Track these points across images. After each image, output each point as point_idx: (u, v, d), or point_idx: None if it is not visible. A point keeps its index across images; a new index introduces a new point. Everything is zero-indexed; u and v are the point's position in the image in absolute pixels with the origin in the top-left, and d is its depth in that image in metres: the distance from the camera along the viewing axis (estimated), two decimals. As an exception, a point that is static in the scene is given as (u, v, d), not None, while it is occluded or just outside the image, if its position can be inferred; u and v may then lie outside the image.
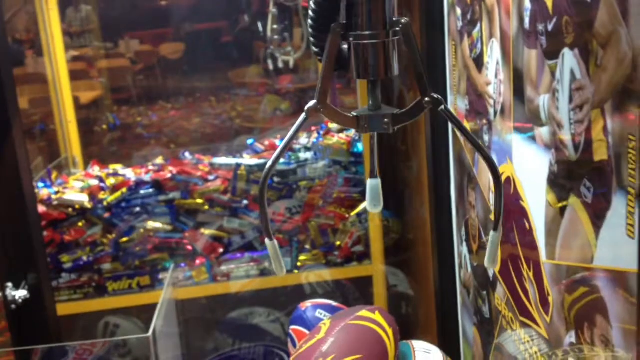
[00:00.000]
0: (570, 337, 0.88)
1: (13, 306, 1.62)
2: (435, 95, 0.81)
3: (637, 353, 0.65)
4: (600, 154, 0.76)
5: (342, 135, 2.41)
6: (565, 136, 0.85)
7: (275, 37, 2.87)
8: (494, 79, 1.12)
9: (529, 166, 0.99)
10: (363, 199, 2.27)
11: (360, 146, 2.31)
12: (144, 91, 3.67)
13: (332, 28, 0.81)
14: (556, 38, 0.85)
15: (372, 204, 1.09)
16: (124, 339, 1.70)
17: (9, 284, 1.64)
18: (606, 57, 0.73)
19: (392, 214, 2.29)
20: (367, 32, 0.80)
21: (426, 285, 1.84)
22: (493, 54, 1.12)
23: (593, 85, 0.77)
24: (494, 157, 1.15)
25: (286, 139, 0.86)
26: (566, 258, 0.88)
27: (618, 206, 0.73)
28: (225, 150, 2.78)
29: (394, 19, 0.81)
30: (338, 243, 2.27)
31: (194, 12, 3.54)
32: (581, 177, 0.81)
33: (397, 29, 0.81)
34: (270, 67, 3.03)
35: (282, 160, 2.33)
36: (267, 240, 0.92)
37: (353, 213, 2.28)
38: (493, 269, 1.21)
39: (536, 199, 0.96)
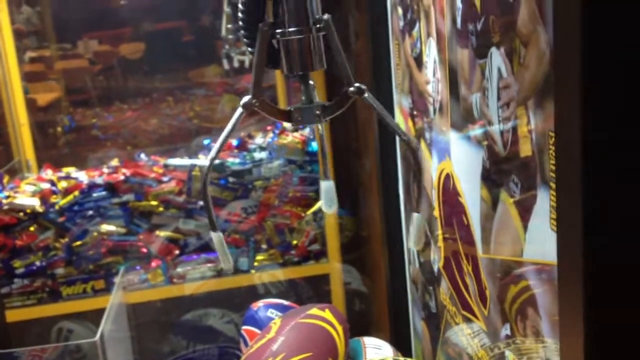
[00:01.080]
0: (506, 330, 0.90)
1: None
2: (358, 84, 0.87)
3: (561, 343, 0.67)
4: (525, 150, 0.78)
5: (297, 134, 2.42)
6: (495, 133, 0.87)
7: (230, 36, 2.86)
8: (432, 78, 1.14)
9: (465, 163, 1.01)
10: (319, 198, 2.28)
11: (314, 145, 2.32)
12: (103, 92, 3.62)
13: (259, 27, 0.83)
14: (485, 37, 0.87)
15: (327, 205, 1.13)
16: (72, 344, 1.68)
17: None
18: (528, 55, 0.75)
19: (347, 211, 2.31)
20: (292, 29, 0.84)
21: (379, 282, 1.86)
22: (431, 53, 1.13)
23: (517, 83, 0.79)
24: (435, 155, 1.17)
25: (224, 133, 0.91)
26: (499, 252, 0.90)
27: (542, 200, 0.75)
28: (183, 151, 2.76)
29: (317, 16, 0.85)
30: (295, 242, 2.27)
31: (154, 11, 3.50)
32: (510, 172, 0.83)
33: (320, 25, 0.85)
34: (226, 66, 3.02)
35: (236, 160, 2.33)
36: (212, 233, 0.95)
37: (309, 212, 2.29)
38: (438, 265, 1.23)
39: (472, 195, 0.98)
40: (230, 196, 2.27)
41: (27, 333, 2.14)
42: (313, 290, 2.18)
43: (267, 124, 2.68)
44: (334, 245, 2.23)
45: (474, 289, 1.02)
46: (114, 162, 2.53)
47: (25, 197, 2.19)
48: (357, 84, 0.88)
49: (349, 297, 2.15)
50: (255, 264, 2.24)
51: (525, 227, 0.81)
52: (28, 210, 2.15)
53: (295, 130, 2.48)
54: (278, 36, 0.86)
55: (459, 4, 0.95)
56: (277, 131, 2.49)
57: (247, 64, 2.91)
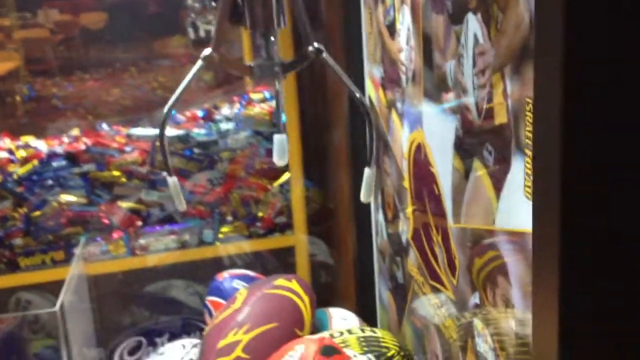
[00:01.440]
0: (475, 299, 0.90)
1: None
2: (317, 45, 0.93)
3: (534, 312, 0.67)
4: (501, 117, 0.77)
5: (265, 105, 2.38)
6: (470, 101, 0.86)
7: (196, 4, 2.80)
8: (406, 46, 1.12)
9: (437, 132, 1.00)
10: (286, 169, 2.25)
11: (283, 117, 2.29)
12: (64, 62, 3.52)
13: None
14: (460, 2, 0.85)
15: (278, 157, 1.16)
16: (31, 314, 1.64)
17: None
18: (505, 20, 0.74)
19: (313, 183, 2.29)
20: None
21: (346, 254, 1.86)
22: (404, 20, 1.11)
23: (494, 49, 0.77)
24: (406, 126, 1.16)
25: (181, 84, 0.95)
26: (470, 221, 0.90)
27: (516, 168, 0.75)
28: (146, 122, 2.70)
29: None
30: (260, 214, 2.25)
31: (117, -22, 3.41)
32: (484, 141, 0.82)
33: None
34: (192, 36, 2.95)
35: (202, 130, 2.29)
36: (167, 177, 1.04)
37: (275, 184, 2.27)
38: (407, 236, 1.23)
39: (444, 165, 0.98)
40: (195, 167, 2.22)
41: (-16, 304, 2.08)
42: (278, 262, 2.16)
43: (234, 94, 2.63)
44: (300, 217, 2.21)
45: (442, 258, 1.02)
46: (75, 132, 2.46)
47: (-19, 165, 2.12)
48: (315, 44, 0.93)
49: (315, 269, 2.14)
50: (220, 235, 2.21)
51: (498, 196, 0.80)
52: (-16, 179, 2.08)
53: (263, 101, 2.44)
54: None
55: (435, -31, 0.94)
56: (244, 102, 2.45)
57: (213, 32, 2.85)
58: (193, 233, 2.18)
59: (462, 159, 0.90)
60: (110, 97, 3.48)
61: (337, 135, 1.93)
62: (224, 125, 2.30)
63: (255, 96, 2.51)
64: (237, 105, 2.47)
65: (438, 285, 1.05)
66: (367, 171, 0.96)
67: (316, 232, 2.18)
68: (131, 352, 2.11)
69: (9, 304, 2.06)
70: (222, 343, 1.20)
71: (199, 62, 0.94)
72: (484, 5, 0.79)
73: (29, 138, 2.41)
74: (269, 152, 2.29)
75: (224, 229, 2.23)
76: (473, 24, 0.82)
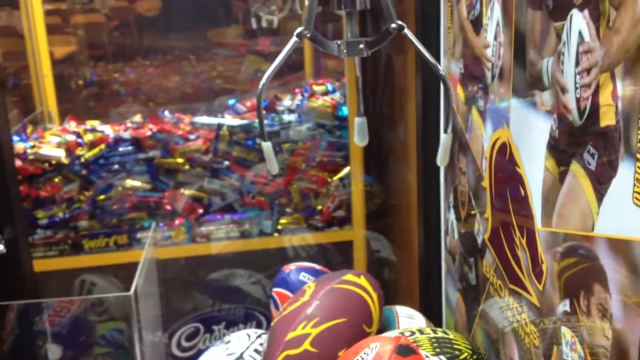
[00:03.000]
0: (565, 306, 0.87)
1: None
2: (400, 22, 0.97)
3: None
4: (608, 119, 0.74)
5: (327, 98, 2.37)
6: (570, 101, 0.83)
7: (261, -4, 2.80)
8: (493, 42, 1.09)
9: (527, 132, 0.97)
10: (346, 164, 2.24)
11: (345, 110, 2.28)
12: (120, 48, 3.58)
13: None
14: (565, -2, 0.82)
15: (359, 139, 1.21)
16: (105, 297, 1.67)
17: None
18: (619, 18, 0.71)
19: (375, 179, 2.27)
20: None
21: (409, 251, 1.84)
22: (493, 15, 1.08)
23: (603, 48, 0.74)
24: (489, 123, 1.13)
25: (277, 59, 1.00)
26: (564, 226, 0.86)
27: (624, 173, 0.71)
28: (205, 111, 2.72)
29: None
30: (320, 207, 2.24)
31: (172, -33, 3.45)
32: (585, 143, 0.79)
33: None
34: (254, 26, 2.96)
35: (265, 121, 2.29)
36: (262, 142, 1.07)
37: (336, 177, 2.26)
38: (483, 236, 1.20)
39: (533, 165, 0.94)
40: (256, 158, 2.23)
41: (48, 284, 2.13)
42: (339, 256, 2.16)
43: (295, 86, 2.63)
44: (359, 212, 2.20)
45: (526, 262, 0.99)
46: (137, 118, 2.49)
47: (51, 147, 2.17)
48: (398, 22, 0.97)
49: (377, 265, 2.13)
50: (279, 227, 2.22)
51: (599, 200, 0.77)
52: (53, 162, 2.13)
53: (325, 93, 2.43)
54: None
55: (535, -37, 0.90)
56: (306, 94, 2.45)
57: (275, 24, 2.85)
58: (253, 223, 2.19)
59: (557, 160, 0.87)
60: (170, 84, 3.52)
61: (404, 131, 1.91)
62: (287, 117, 2.30)
63: (317, 88, 2.51)
64: (299, 97, 2.47)
65: (519, 290, 1.02)
66: (444, 136, 1.01)
67: (377, 228, 2.17)
68: (189, 338, 2.14)
69: (74, 285, 2.11)
70: (290, 335, 1.19)
71: (294, 39, 1.00)
72: (593, 2, 0.76)
73: (94, 122, 2.45)
74: (331, 145, 2.28)
75: (283, 221, 2.24)
76: (579, 20, 0.79)
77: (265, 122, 2.30)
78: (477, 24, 1.17)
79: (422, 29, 1.45)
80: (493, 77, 1.10)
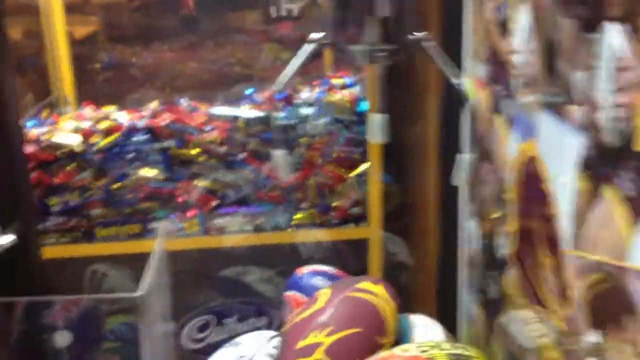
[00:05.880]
0: (593, 337, 0.83)
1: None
2: (424, 34, 1.06)
3: None
4: (648, 144, 0.69)
5: (346, 92, 2.32)
6: (603, 119, 0.78)
7: (282, -17, 2.75)
8: (521, 48, 1.04)
9: (556, 147, 0.93)
10: (364, 160, 2.20)
11: (364, 105, 2.23)
12: (140, 30, 3.54)
13: None
14: (598, 8, 0.77)
15: (378, 136, 1.25)
16: (115, 297, 1.65)
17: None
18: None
19: (392, 178, 2.23)
20: None
21: (426, 255, 1.80)
22: (521, 20, 1.03)
23: (645, 68, 0.69)
24: (516, 133, 1.09)
25: (296, 64, 1.10)
26: (594, 252, 0.82)
27: (664, 204, 0.67)
28: (223, 98, 2.68)
29: None
30: (335, 204, 2.20)
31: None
32: (622, 166, 0.75)
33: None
34: (274, 13, 2.91)
35: (281, 114, 2.25)
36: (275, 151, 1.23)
37: (352, 174, 2.21)
38: (506, 251, 1.15)
39: (563, 184, 0.90)
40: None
41: (60, 271, 2.12)
42: (354, 255, 2.12)
43: (315, 77, 2.58)
44: (376, 210, 2.15)
45: (553, 285, 0.95)
46: (153, 105, 2.46)
47: (65, 134, 2.14)
48: (422, 33, 1.06)
49: (392, 267, 2.09)
50: (293, 222, 2.18)
51: (633, 230, 0.72)
52: (67, 149, 2.10)
53: (344, 87, 2.38)
54: None
55: (573, -30, 0.85)
56: (324, 87, 2.39)
57: (295, 12, 2.80)
58: (267, 217, 2.16)
59: (589, 181, 0.83)
60: (188, 70, 3.48)
61: (424, 131, 1.86)
62: (304, 110, 2.25)
63: (336, 82, 2.46)
64: (317, 90, 2.42)
65: (544, 311, 0.98)
66: (459, 156, 1.09)
67: (393, 229, 2.13)
68: (200, 330, 2.13)
69: (85, 275, 2.09)
70: (301, 343, 1.16)
71: (312, 45, 1.10)
72: (630, 15, 0.71)
73: (110, 108, 2.42)
74: (348, 141, 2.23)
75: (298, 216, 2.20)
76: (613, 34, 0.74)
77: (282, 114, 2.26)
78: (504, 28, 1.11)
79: (446, 29, 1.39)
80: (520, 85, 1.05)
